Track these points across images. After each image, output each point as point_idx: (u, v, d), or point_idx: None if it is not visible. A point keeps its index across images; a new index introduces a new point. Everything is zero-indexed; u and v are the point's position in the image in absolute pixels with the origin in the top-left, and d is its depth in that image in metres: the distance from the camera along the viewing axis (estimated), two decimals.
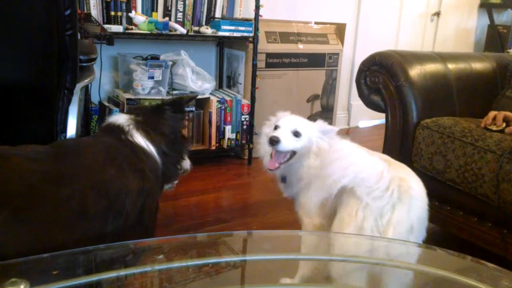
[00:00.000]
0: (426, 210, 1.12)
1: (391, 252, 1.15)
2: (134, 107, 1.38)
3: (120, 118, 1.23)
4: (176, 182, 1.37)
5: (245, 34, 2.72)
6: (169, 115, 1.31)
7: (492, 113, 1.69)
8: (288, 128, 1.35)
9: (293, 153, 1.35)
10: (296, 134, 1.34)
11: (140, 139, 1.18)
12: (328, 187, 1.07)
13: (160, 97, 2.51)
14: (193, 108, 2.75)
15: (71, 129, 1.33)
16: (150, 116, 1.28)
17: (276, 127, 1.36)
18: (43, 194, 0.92)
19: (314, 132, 1.38)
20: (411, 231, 1.06)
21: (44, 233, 0.91)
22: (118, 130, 1.19)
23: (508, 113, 1.67)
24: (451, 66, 1.99)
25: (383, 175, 1.05)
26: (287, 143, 1.32)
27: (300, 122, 1.39)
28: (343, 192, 1.13)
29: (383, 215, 1.05)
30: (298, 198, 1.36)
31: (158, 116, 1.30)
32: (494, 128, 1.64)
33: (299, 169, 1.35)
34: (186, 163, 1.40)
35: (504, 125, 1.64)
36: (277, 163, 1.34)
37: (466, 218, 1.66)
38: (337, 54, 3.23)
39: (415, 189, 1.10)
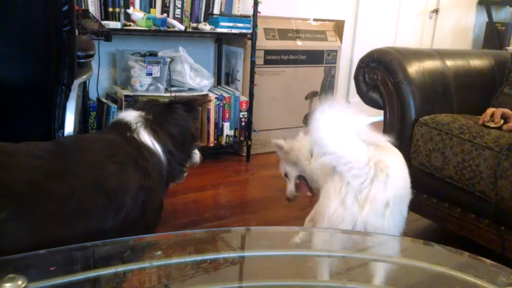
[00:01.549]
0: (405, 188, 1.22)
1: (389, 248, 1.15)
2: (145, 102, 1.38)
3: (129, 115, 1.24)
4: (186, 174, 1.38)
5: (244, 31, 2.71)
6: (180, 114, 1.31)
7: (490, 110, 1.69)
8: (291, 177, 1.72)
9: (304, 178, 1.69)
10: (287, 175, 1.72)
11: (146, 138, 1.18)
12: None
13: (159, 94, 2.51)
14: None
15: (69, 125, 1.33)
16: (160, 114, 1.28)
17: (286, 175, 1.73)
18: (45, 191, 0.93)
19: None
20: (387, 205, 1.15)
21: (45, 230, 0.92)
22: (125, 127, 1.19)
23: (506, 110, 1.67)
24: (449, 63, 1.99)
25: (361, 157, 1.16)
26: (292, 189, 1.73)
27: (287, 163, 1.72)
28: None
29: (362, 191, 1.15)
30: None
31: (169, 115, 1.30)
32: (492, 125, 1.64)
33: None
34: (196, 156, 1.42)
35: (502, 122, 1.64)
36: (308, 192, 1.71)
37: (463, 215, 1.67)
38: (336, 51, 3.23)
39: (392, 169, 1.18)
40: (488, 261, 0.93)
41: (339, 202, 1.16)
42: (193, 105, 1.37)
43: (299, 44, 3.07)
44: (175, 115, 1.30)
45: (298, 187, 1.72)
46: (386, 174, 1.15)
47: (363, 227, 1.14)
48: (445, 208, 1.72)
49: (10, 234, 0.87)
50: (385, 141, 1.33)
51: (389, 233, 1.17)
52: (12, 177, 0.90)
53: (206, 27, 2.61)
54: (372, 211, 1.14)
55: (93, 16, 2.31)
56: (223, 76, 3.10)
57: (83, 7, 2.35)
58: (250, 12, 2.75)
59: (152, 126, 1.22)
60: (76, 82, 1.32)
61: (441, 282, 0.96)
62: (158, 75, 2.53)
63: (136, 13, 2.42)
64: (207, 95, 2.72)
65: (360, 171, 1.15)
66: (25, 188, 0.90)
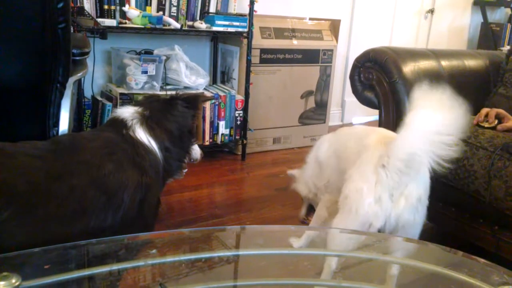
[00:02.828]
0: (428, 182, 1.26)
1: (384, 247, 1.16)
2: (146, 98, 1.37)
3: (125, 112, 1.23)
4: (185, 170, 1.38)
5: (240, 30, 2.71)
6: (180, 111, 1.30)
7: (484, 110, 1.70)
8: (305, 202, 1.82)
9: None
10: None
11: (142, 135, 1.18)
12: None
13: (154, 92, 2.50)
14: None
15: (64, 123, 1.32)
16: (158, 111, 1.27)
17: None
18: (46, 191, 0.93)
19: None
20: (420, 200, 1.20)
21: (46, 229, 0.93)
22: (121, 124, 1.19)
23: (500, 110, 1.68)
24: (444, 63, 1.99)
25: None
26: (303, 213, 1.82)
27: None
28: (349, 168, 1.28)
29: (396, 188, 1.18)
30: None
31: (167, 111, 1.28)
32: (486, 125, 1.65)
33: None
34: (196, 153, 1.42)
35: (496, 122, 1.65)
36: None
37: (458, 214, 1.67)
38: (331, 50, 3.23)
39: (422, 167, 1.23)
40: (482, 260, 0.94)
41: (374, 199, 1.18)
42: (195, 102, 1.35)
43: (295, 43, 3.07)
44: (175, 111, 1.29)
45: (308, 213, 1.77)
46: (418, 172, 1.20)
47: (396, 221, 1.19)
48: (440, 207, 1.73)
49: (11, 233, 0.88)
50: (391, 132, 1.39)
51: (419, 226, 1.22)
52: (14, 178, 0.91)
53: (202, 25, 2.60)
54: (407, 206, 1.18)
55: (89, 14, 2.30)
56: (219, 74, 3.10)
57: (78, 4, 2.33)
58: (246, 10, 2.74)
59: (148, 122, 1.21)
60: (71, 80, 1.31)
61: (435, 281, 0.96)
62: (154, 73, 2.52)
63: (132, 11, 2.41)
64: (202, 93, 2.72)
65: (408, 170, 1.17)
66: (26, 189, 0.91)
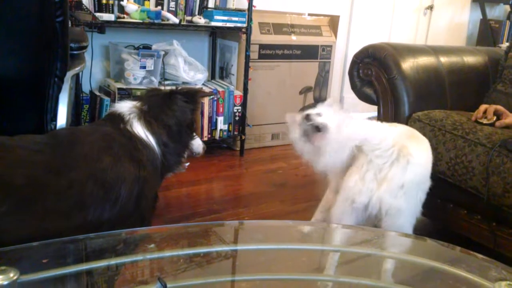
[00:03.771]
0: (422, 176, 1.35)
1: (382, 242, 1.16)
2: (145, 92, 1.38)
3: (123, 106, 1.23)
4: (187, 164, 1.38)
5: (238, 25, 2.70)
6: (179, 105, 1.30)
7: (483, 107, 1.70)
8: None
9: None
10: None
11: (139, 129, 1.18)
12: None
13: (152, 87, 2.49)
14: None
15: (62, 117, 1.31)
16: (157, 105, 1.27)
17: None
18: (44, 185, 0.93)
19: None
20: (402, 187, 1.28)
21: (43, 223, 0.93)
22: (118, 119, 1.19)
23: (498, 107, 1.68)
24: (443, 59, 1.99)
25: (386, 140, 1.29)
26: None
27: None
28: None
29: (381, 170, 1.28)
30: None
31: (166, 106, 1.28)
32: (485, 121, 1.65)
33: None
34: (198, 147, 1.42)
35: (494, 118, 1.65)
36: None
37: (455, 210, 1.68)
38: (330, 46, 3.23)
39: (414, 157, 1.30)
40: (480, 256, 0.94)
41: (359, 177, 1.29)
42: (195, 96, 1.35)
43: (294, 39, 3.06)
44: (173, 105, 1.29)
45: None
46: (407, 160, 1.28)
47: (378, 203, 1.27)
48: (438, 204, 1.73)
49: (9, 227, 0.88)
50: (417, 132, 1.51)
51: (403, 214, 1.29)
52: (12, 172, 0.91)
53: (200, 20, 2.59)
54: (388, 190, 1.26)
55: (87, 8, 2.29)
56: (217, 70, 3.09)
57: None
58: (245, 6, 2.73)
59: (146, 117, 1.21)
60: (69, 74, 1.31)
61: (433, 277, 0.96)
62: (152, 68, 2.51)
63: (130, 6, 2.40)
64: (201, 88, 2.71)
65: (383, 152, 1.27)
66: (24, 182, 0.91)
